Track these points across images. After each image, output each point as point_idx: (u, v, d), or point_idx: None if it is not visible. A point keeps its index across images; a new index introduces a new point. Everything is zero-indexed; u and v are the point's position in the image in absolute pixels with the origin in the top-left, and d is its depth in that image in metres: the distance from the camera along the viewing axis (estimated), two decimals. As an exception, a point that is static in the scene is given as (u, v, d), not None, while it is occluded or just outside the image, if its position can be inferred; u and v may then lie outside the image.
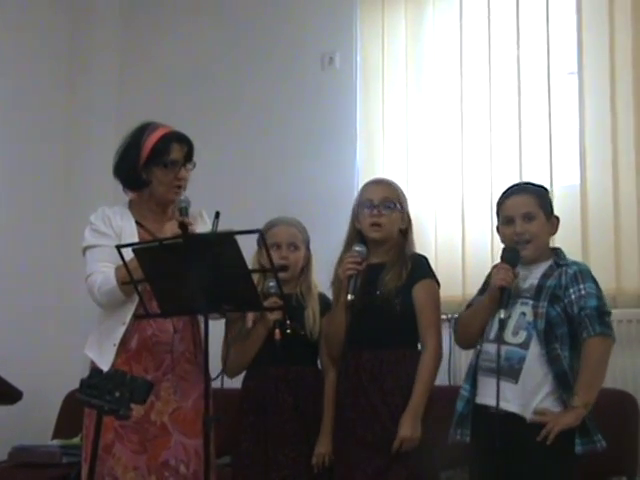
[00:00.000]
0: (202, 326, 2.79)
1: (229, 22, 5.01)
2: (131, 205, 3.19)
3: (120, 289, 2.96)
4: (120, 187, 3.21)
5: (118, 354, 2.99)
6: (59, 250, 4.88)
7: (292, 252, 3.31)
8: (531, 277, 2.94)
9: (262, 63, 4.86)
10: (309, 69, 4.76)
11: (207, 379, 2.72)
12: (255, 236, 3.07)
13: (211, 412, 2.76)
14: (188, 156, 3.13)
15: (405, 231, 3.21)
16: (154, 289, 2.78)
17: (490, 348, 2.92)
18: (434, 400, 3.06)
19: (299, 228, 3.37)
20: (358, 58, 4.65)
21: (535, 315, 2.86)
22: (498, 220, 3.07)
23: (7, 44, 4.82)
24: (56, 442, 4.34)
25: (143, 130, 3.12)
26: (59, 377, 4.62)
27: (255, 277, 2.92)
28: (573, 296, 2.86)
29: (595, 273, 3.75)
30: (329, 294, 3.35)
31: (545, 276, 2.92)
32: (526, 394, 2.83)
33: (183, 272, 2.68)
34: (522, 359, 2.84)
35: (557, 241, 3.75)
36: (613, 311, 3.63)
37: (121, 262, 2.81)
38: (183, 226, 2.89)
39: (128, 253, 2.76)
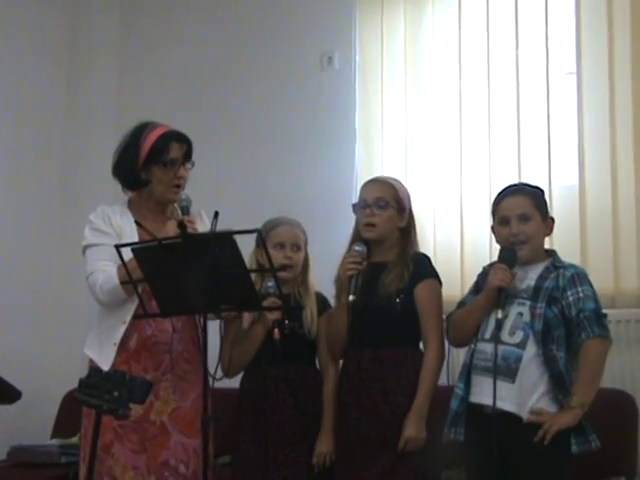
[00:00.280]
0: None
1: (228, 22, 5.01)
2: (130, 204, 3.18)
3: (122, 287, 2.96)
4: (119, 187, 3.21)
5: (118, 354, 2.99)
6: (58, 249, 4.88)
7: (295, 252, 3.32)
8: (527, 278, 2.96)
9: (261, 63, 4.86)
10: (308, 69, 4.76)
11: (205, 379, 2.72)
12: (254, 236, 3.07)
13: (210, 412, 2.75)
14: (187, 155, 3.13)
15: (406, 229, 3.21)
16: (153, 289, 2.79)
17: (485, 347, 2.93)
18: (435, 400, 3.06)
19: (301, 229, 3.38)
20: (357, 58, 4.65)
21: (533, 316, 2.88)
22: (493, 220, 3.08)
23: (6, 45, 4.81)
24: (55, 442, 4.34)
25: (142, 129, 3.12)
26: (58, 377, 4.62)
27: (253, 277, 2.92)
28: (571, 298, 2.88)
29: (594, 273, 3.76)
30: (327, 293, 3.36)
31: (542, 277, 2.94)
32: (522, 394, 2.84)
33: (182, 272, 2.68)
34: (519, 359, 2.86)
35: (556, 241, 3.77)
36: (612, 311, 3.66)
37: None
38: (182, 226, 2.89)
39: (127, 253, 2.76)
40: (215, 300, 2.71)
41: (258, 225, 3.05)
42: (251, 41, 4.91)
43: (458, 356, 3.17)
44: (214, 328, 3.13)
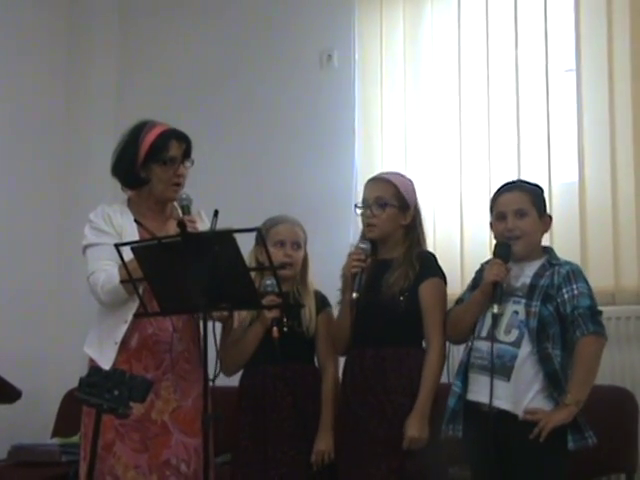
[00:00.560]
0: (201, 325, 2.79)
1: (227, 21, 5.01)
2: (130, 203, 3.18)
3: (123, 287, 2.95)
4: (119, 186, 3.20)
5: (119, 353, 2.99)
6: (58, 248, 4.88)
7: (295, 250, 3.32)
8: (523, 276, 2.96)
9: (261, 62, 4.86)
10: (307, 67, 4.76)
11: (206, 378, 2.72)
12: (253, 234, 3.07)
13: (210, 410, 2.75)
14: (186, 153, 3.13)
15: (411, 226, 3.19)
16: (153, 287, 2.78)
17: (481, 345, 2.94)
18: (440, 397, 3.06)
19: (300, 227, 3.38)
20: (356, 56, 4.64)
21: (528, 314, 2.89)
22: (491, 216, 3.09)
23: (5, 47, 4.81)
24: (55, 441, 4.35)
25: (141, 128, 3.12)
26: (58, 376, 4.62)
27: (252, 275, 2.92)
28: (566, 295, 2.89)
29: (594, 270, 3.79)
30: (327, 292, 3.36)
31: (537, 275, 2.94)
32: (518, 392, 2.85)
33: (182, 271, 2.68)
34: (514, 357, 2.87)
35: (555, 238, 3.78)
36: (612, 308, 3.69)
37: None
38: (182, 224, 2.89)
39: (127, 252, 2.76)
40: (215, 299, 2.71)
41: (257, 224, 3.05)
42: (250, 40, 4.91)
43: (459, 354, 3.17)
44: (215, 327, 3.13)
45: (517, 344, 2.88)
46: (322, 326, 3.29)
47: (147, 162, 3.07)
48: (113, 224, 3.08)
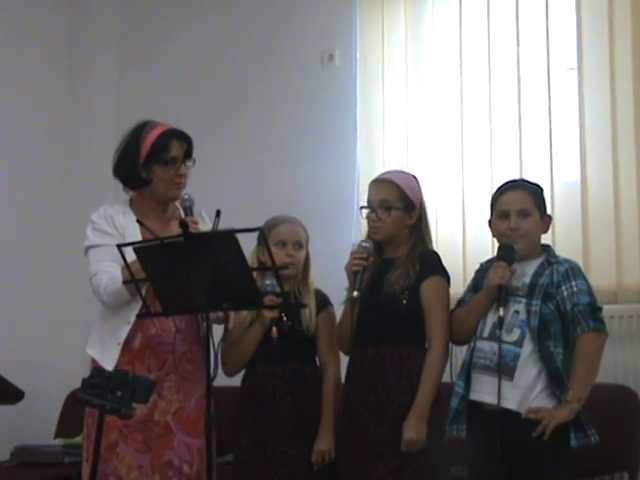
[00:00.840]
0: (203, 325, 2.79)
1: (229, 19, 5.00)
2: (132, 204, 3.18)
3: (126, 288, 2.95)
4: (121, 186, 3.20)
5: (122, 354, 2.99)
6: (60, 249, 4.87)
7: (297, 250, 3.32)
8: (523, 275, 2.96)
9: (262, 61, 4.86)
10: (309, 66, 4.76)
11: (208, 378, 2.72)
12: (255, 234, 3.07)
13: (213, 411, 2.75)
14: (188, 153, 3.13)
15: (416, 225, 3.18)
16: (156, 288, 2.78)
17: (484, 345, 2.95)
18: (443, 397, 3.05)
19: (302, 227, 3.37)
20: (358, 55, 4.64)
21: (528, 313, 2.90)
22: (491, 214, 3.09)
23: (6, 43, 4.81)
24: (58, 441, 4.34)
25: (141, 128, 3.11)
26: (61, 377, 4.62)
27: (253, 275, 2.92)
28: (565, 293, 2.90)
29: (596, 269, 3.79)
30: (328, 291, 3.37)
31: (537, 274, 2.95)
32: (521, 391, 2.85)
33: (184, 271, 2.68)
34: (516, 356, 2.87)
35: (558, 237, 3.79)
36: (614, 306, 3.69)
37: None
38: (184, 225, 2.89)
39: (129, 252, 2.76)
40: (217, 299, 2.71)
41: (258, 223, 3.04)
42: (252, 38, 4.90)
43: (462, 354, 3.17)
44: (218, 327, 3.13)
45: (519, 343, 2.89)
46: (323, 325, 3.30)
47: (148, 163, 3.07)
48: (115, 225, 3.07)
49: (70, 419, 4.40)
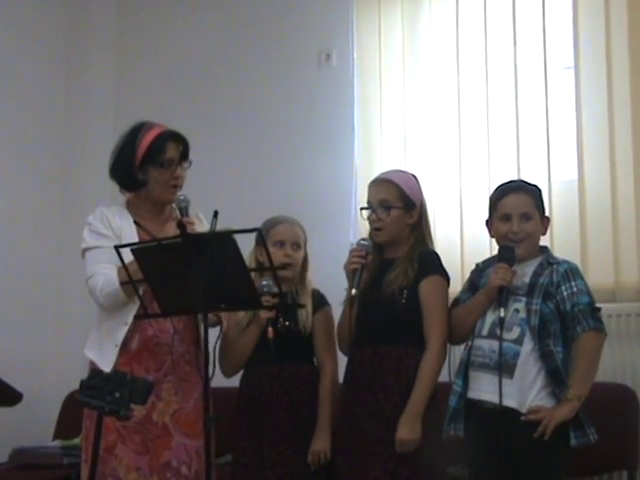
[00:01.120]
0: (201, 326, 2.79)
1: (226, 19, 5.00)
2: (128, 205, 3.18)
3: (123, 290, 2.95)
4: (117, 187, 3.20)
5: (120, 355, 2.99)
6: (58, 251, 4.88)
7: (295, 251, 3.32)
8: (522, 275, 2.97)
9: (259, 61, 4.86)
10: (306, 66, 4.76)
11: (206, 378, 2.72)
12: (253, 235, 3.07)
13: (211, 411, 2.75)
14: (184, 155, 3.12)
15: (416, 224, 3.18)
16: (153, 289, 2.78)
17: (482, 343, 2.95)
18: (441, 396, 3.05)
19: (300, 228, 3.38)
20: (355, 55, 4.63)
21: (529, 312, 2.91)
22: (491, 215, 3.09)
23: (2, 43, 4.80)
24: (57, 443, 4.34)
25: (138, 130, 3.11)
26: (59, 378, 4.62)
27: (252, 275, 2.92)
28: (565, 293, 2.92)
29: (594, 267, 3.79)
30: (326, 291, 3.37)
31: (536, 274, 2.97)
32: (521, 389, 2.86)
33: (182, 272, 2.67)
34: (516, 355, 2.88)
35: (555, 236, 3.79)
36: (612, 305, 3.69)
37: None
38: (181, 225, 2.88)
39: (126, 253, 2.75)
40: (215, 299, 2.71)
41: (256, 224, 3.04)
42: (249, 39, 4.90)
43: (459, 352, 3.17)
44: (216, 328, 3.13)
45: (519, 341, 2.90)
46: (320, 325, 3.30)
47: (144, 165, 3.07)
48: (112, 227, 3.07)
49: (69, 421, 4.40)
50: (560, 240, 3.84)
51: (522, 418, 2.83)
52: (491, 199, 3.12)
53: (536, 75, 4.15)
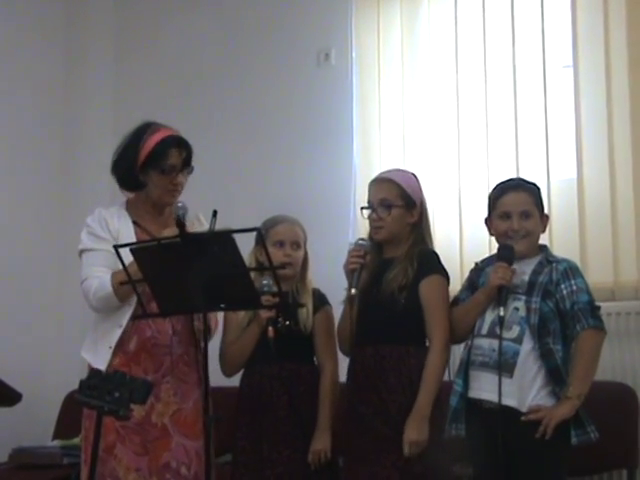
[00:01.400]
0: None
1: (224, 18, 5.00)
2: (128, 205, 3.17)
3: (116, 295, 2.95)
4: (118, 189, 3.19)
5: (116, 356, 2.99)
6: (58, 250, 4.87)
7: (295, 250, 3.32)
8: (522, 273, 2.97)
9: (258, 60, 4.85)
10: (305, 66, 4.76)
11: (206, 378, 2.72)
12: (253, 234, 3.07)
13: (211, 411, 2.75)
14: (186, 161, 3.11)
15: (417, 223, 3.18)
16: (153, 288, 2.78)
17: (482, 342, 2.96)
18: (445, 396, 3.05)
19: (300, 227, 3.38)
20: (354, 54, 4.63)
21: (528, 310, 2.91)
22: (490, 212, 3.09)
23: (2, 39, 4.80)
24: (57, 443, 4.34)
25: (143, 130, 3.09)
26: (59, 378, 4.62)
27: (252, 275, 2.92)
28: (565, 291, 2.92)
29: (593, 266, 3.79)
30: (325, 291, 3.37)
31: (536, 272, 2.97)
32: (521, 388, 2.87)
33: (181, 271, 2.67)
34: (516, 353, 2.89)
35: (554, 234, 3.79)
36: (611, 304, 3.69)
37: (118, 267, 2.81)
38: (181, 225, 2.88)
39: (126, 254, 2.75)
40: (215, 299, 2.71)
41: (255, 223, 3.04)
42: (248, 38, 4.90)
43: (459, 352, 3.17)
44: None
45: (519, 340, 2.90)
46: (320, 324, 3.30)
47: (145, 167, 3.05)
48: (109, 229, 3.06)
49: (68, 420, 4.40)
50: (559, 239, 3.83)
51: (522, 418, 2.83)
52: (490, 197, 3.12)
53: (535, 74, 4.15)
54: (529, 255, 3.01)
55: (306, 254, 3.38)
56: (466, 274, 3.28)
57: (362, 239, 3.16)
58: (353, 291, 3.05)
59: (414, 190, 3.19)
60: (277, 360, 3.11)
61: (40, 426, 4.57)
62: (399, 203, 3.13)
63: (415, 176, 3.27)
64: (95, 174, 4.87)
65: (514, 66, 4.20)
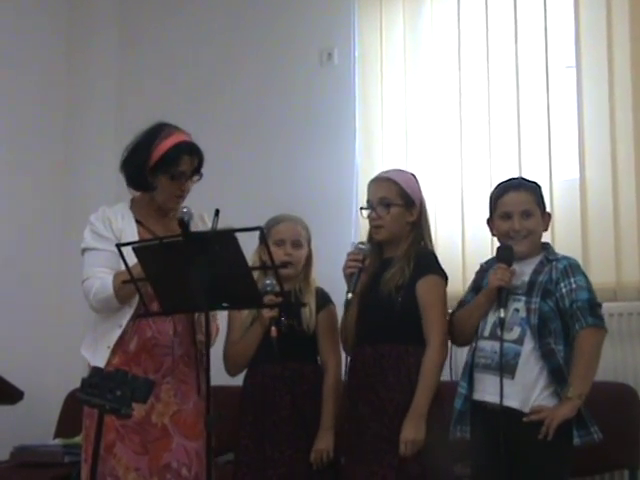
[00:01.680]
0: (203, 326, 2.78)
1: (227, 20, 5.00)
2: (132, 204, 3.16)
3: (116, 298, 2.95)
4: (121, 186, 3.19)
5: (116, 356, 2.98)
6: (60, 249, 4.88)
7: (296, 249, 3.31)
8: (522, 273, 2.97)
9: (260, 60, 4.86)
10: (308, 65, 4.76)
11: (208, 378, 2.71)
12: (256, 233, 3.07)
13: (211, 412, 2.74)
14: (196, 169, 3.10)
15: (416, 223, 3.17)
16: (155, 287, 2.78)
17: (485, 345, 2.95)
18: (445, 396, 3.05)
19: (303, 226, 3.37)
20: (356, 54, 4.64)
21: (528, 311, 2.90)
22: (492, 213, 3.09)
23: (5, 48, 4.80)
24: (58, 441, 4.35)
25: (158, 132, 3.06)
26: (60, 376, 4.62)
27: (255, 274, 2.92)
28: (564, 290, 2.90)
29: (595, 266, 3.79)
30: (328, 290, 3.37)
31: (536, 272, 2.96)
32: (523, 389, 2.86)
33: (184, 270, 2.67)
34: (517, 355, 2.88)
35: (557, 235, 3.79)
36: (613, 304, 3.68)
37: (119, 268, 2.81)
38: (183, 224, 2.88)
39: (128, 252, 2.75)
40: (217, 298, 2.71)
41: (257, 223, 3.04)
42: (250, 38, 4.90)
43: (462, 352, 3.17)
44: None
45: (520, 341, 2.89)
46: (323, 323, 3.30)
47: (155, 170, 3.04)
48: (112, 228, 3.05)
49: (70, 419, 4.40)
50: (561, 239, 3.83)
51: (524, 419, 2.82)
52: (491, 197, 3.12)
53: (538, 74, 4.15)
54: (531, 254, 3.00)
55: (310, 253, 3.38)
56: (468, 275, 3.29)
57: (362, 243, 3.15)
58: (349, 295, 3.05)
59: (413, 190, 3.19)
60: (280, 360, 3.11)
61: (41, 424, 4.57)
62: (398, 202, 3.13)
63: (414, 176, 3.27)
64: (97, 169, 4.89)
65: (517, 66, 4.20)
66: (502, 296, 2.91)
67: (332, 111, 4.64)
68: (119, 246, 2.75)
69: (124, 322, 2.99)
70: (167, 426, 2.99)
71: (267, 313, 3.12)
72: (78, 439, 4.02)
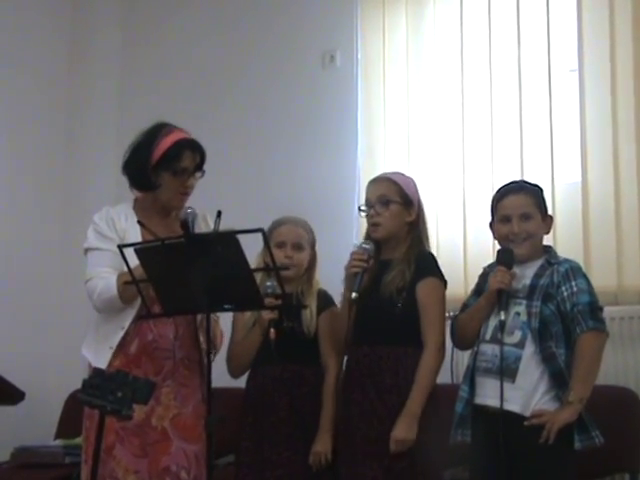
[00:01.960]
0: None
1: (229, 22, 5.01)
2: (135, 205, 3.16)
3: (120, 298, 2.94)
4: (123, 187, 3.19)
5: (117, 357, 2.97)
6: (61, 250, 4.87)
7: (297, 252, 3.31)
8: (524, 277, 2.96)
9: (263, 62, 4.86)
10: (310, 67, 4.76)
11: (209, 380, 2.71)
12: (259, 235, 3.07)
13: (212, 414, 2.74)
14: (199, 165, 3.10)
15: (414, 223, 3.17)
16: (156, 289, 2.78)
17: (486, 349, 2.95)
18: (441, 399, 3.05)
19: (305, 228, 3.37)
20: (359, 56, 4.64)
21: (529, 315, 2.90)
22: (493, 217, 3.08)
23: (6, 48, 4.79)
24: (59, 442, 4.34)
25: (158, 131, 3.07)
26: (61, 377, 4.61)
27: (258, 276, 2.92)
28: (565, 293, 2.90)
29: (596, 270, 3.78)
30: (329, 291, 3.36)
31: (537, 276, 2.95)
32: (524, 393, 2.85)
33: (185, 272, 2.67)
34: (518, 358, 2.87)
35: (558, 238, 3.79)
36: (614, 308, 3.68)
37: (123, 268, 2.80)
38: (185, 225, 2.88)
39: (131, 253, 2.74)
40: (218, 300, 2.71)
41: (259, 224, 3.04)
42: (253, 40, 4.91)
43: (463, 355, 3.16)
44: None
45: (521, 345, 2.88)
46: (325, 325, 3.29)
47: (158, 168, 3.03)
48: (116, 229, 3.05)
49: (70, 420, 4.39)
50: (563, 243, 3.83)
51: (525, 423, 2.81)
52: (492, 201, 3.11)
53: (540, 77, 4.15)
54: (532, 258, 3.00)
55: (314, 255, 3.37)
56: (469, 278, 3.29)
57: (366, 243, 3.15)
58: (354, 295, 3.04)
59: (412, 190, 3.20)
60: (279, 361, 3.10)
61: (42, 425, 4.56)
62: (397, 200, 3.14)
63: (413, 180, 3.28)
64: (98, 169, 4.89)
65: (519, 69, 4.21)
66: (502, 299, 2.91)
67: (334, 113, 4.65)
68: (121, 247, 2.75)
69: (127, 324, 2.98)
70: (167, 429, 2.98)
71: (266, 315, 3.12)
72: (79, 440, 4.00)
